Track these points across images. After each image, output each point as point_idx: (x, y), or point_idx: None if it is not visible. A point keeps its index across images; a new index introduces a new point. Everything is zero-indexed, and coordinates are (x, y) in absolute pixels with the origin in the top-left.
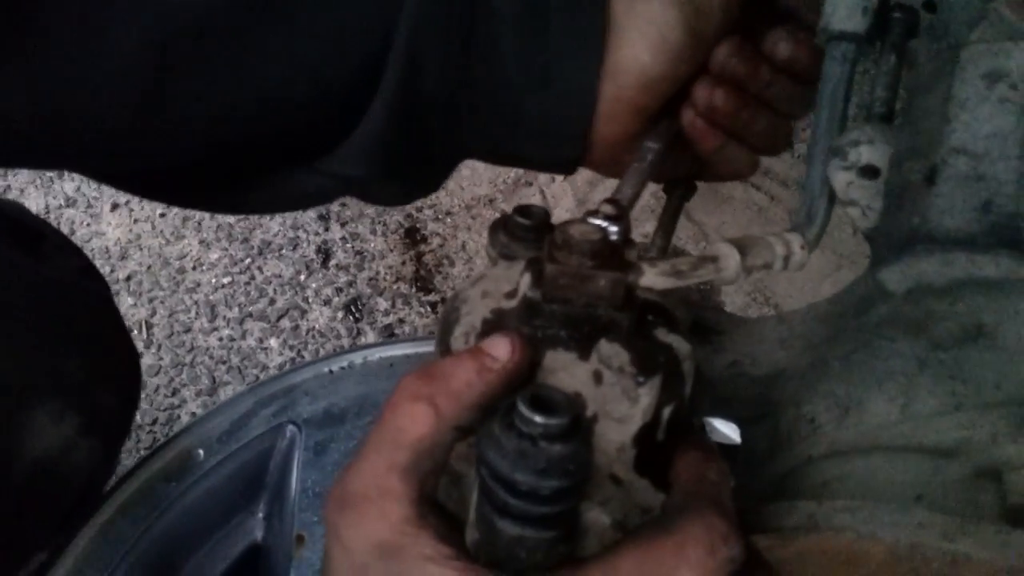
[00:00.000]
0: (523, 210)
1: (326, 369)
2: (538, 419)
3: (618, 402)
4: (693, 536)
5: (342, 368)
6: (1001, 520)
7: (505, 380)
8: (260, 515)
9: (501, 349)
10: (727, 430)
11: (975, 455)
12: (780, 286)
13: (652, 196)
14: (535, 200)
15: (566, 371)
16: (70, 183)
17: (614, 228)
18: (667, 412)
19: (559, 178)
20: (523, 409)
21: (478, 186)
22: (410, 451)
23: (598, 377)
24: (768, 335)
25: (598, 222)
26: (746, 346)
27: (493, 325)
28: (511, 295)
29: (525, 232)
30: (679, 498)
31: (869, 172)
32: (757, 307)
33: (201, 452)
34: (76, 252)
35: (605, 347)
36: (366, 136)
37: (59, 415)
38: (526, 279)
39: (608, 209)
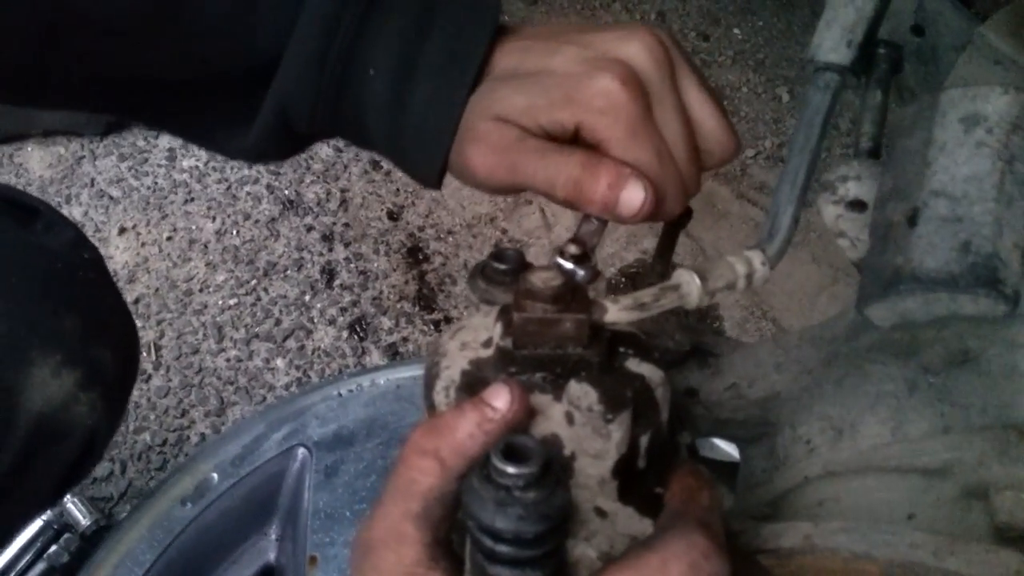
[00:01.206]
0: (498, 255)
1: (335, 392)
2: (510, 470)
3: (591, 440)
4: (676, 553)
5: (350, 391)
6: (989, 538)
7: (505, 429)
8: (273, 537)
9: (501, 399)
10: (728, 448)
11: (964, 476)
12: (777, 299)
13: None
14: (535, 218)
15: (543, 414)
16: (78, 208)
17: (580, 267)
18: (644, 440)
19: None
20: (496, 461)
21: (479, 205)
22: (421, 500)
23: (570, 418)
24: (764, 359)
25: (564, 263)
26: (743, 369)
27: (472, 376)
28: (488, 344)
29: (502, 276)
30: (666, 519)
31: (857, 206)
32: (755, 321)
33: (215, 475)
34: (69, 225)
35: (574, 388)
36: (254, 132)
37: (58, 369)
38: (498, 329)
39: (573, 249)
